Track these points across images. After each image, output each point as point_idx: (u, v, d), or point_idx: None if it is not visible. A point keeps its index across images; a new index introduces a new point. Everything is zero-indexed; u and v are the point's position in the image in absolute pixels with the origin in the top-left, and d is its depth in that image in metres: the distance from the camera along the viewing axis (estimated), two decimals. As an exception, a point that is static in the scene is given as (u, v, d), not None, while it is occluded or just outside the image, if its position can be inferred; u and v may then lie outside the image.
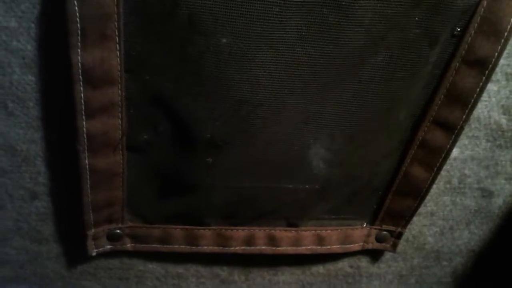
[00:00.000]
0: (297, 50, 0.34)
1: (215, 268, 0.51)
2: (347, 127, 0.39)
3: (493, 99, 0.41)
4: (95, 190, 0.39)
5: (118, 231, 0.44)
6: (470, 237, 0.53)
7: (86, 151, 0.37)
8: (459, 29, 0.36)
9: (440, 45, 0.36)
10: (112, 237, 0.44)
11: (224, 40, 0.33)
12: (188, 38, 0.33)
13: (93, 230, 0.42)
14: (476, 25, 0.35)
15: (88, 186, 0.39)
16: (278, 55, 0.34)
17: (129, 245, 0.46)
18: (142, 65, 0.34)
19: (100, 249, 0.44)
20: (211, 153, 0.39)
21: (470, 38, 0.36)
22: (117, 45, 0.32)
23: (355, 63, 0.35)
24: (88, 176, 0.38)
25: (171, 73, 0.35)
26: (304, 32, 0.33)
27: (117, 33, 0.32)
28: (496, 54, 0.36)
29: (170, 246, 0.46)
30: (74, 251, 0.47)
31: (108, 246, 0.45)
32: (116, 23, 0.31)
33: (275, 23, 0.33)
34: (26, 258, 0.47)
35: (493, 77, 0.40)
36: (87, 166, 0.37)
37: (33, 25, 0.33)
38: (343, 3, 0.32)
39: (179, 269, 0.51)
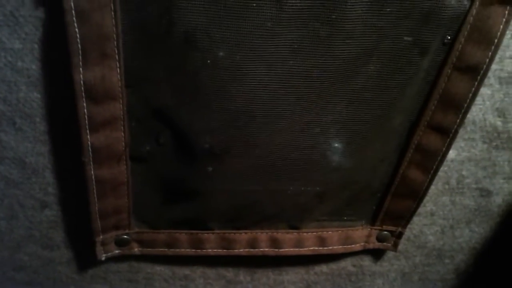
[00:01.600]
0: (290, 63, 0.35)
1: (220, 269, 0.53)
2: (343, 134, 0.40)
3: (488, 102, 0.42)
4: (102, 199, 0.41)
5: (126, 236, 0.46)
6: (471, 235, 0.54)
7: (91, 163, 0.38)
8: (449, 37, 0.36)
9: (431, 53, 0.37)
10: (120, 243, 0.46)
11: (219, 55, 0.34)
12: (185, 54, 0.34)
13: (101, 237, 0.44)
14: (466, 33, 0.36)
15: (95, 195, 0.40)
16: (272, 68, 0.35)
17: (136, 250, 0.47)
18: (142, 81, 0.36)
19: (109, 254, 0.46)
20: (211, 162, 0.40)
21: (460, 45, 0.36)
22: (117, 63, 0.34)
23: (347, 73, 0.36)
24: (94, 186, 0.40)
25: (169, 88, 0.36)
26: (296, 45, 0.34)
27: (116, 52, 0.33)
28: (487, 60, 0.36)
29: (176, 250, 0.47)
30: (85, 256, 0.49)
31: (117, 251, 0.46)
32: (115, 43, 0.33)
33: (268, 38, 0.34)
34: (39, 263, 0.49)
35: (487, 82, 0.40)
36: (93, 177, 0.39)
37: (36, 46, 0.34)
38: (333, 16, 0.33)
39: (186, 271, 0.52)
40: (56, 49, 0.34)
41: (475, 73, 0.37)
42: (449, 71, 0.38)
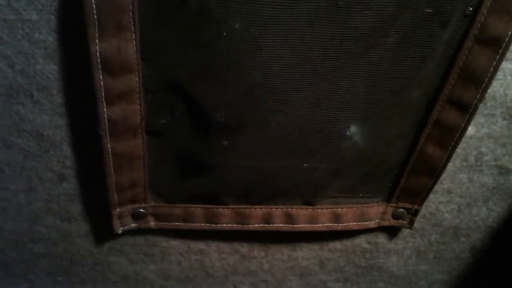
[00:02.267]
0: (307, 34, 0.34)
1: (235, 244, 0.53)
2: (360, 109, 0.40)
3: (509, 77, 0.41)
4: (118, 172, 0.41)
5: (142, 210, 0.46)
6: (488, 213, 0.53)
7: (108, 136, 0.38)
8: (471, 9, 0.35)
9: (452, 24, 0.36)
10: (136, 216, 0.46)
11: (235, 27, 0.34)
12: (201, 25, 0.34)
13: (118, 210, 0.44)
14: (488, 4, 0.35)
15: (112, 168, 0.41)
16: (288, 39, 0.35)
17: (152, 223, 0.48)
18: (157, 52, 0.36)
19: (126, 227, 0.47)
20: (226, 135, 0.40)
21: (483, 17, 0.35)
22: (133, 34, 0.34)
23: (365, 45, 0.36)
24: (111, 159, 0.40)
25: (185, 60, 0.36)
26: (313, 16, 0.34)
27: (132, 23, 0.33)
28: (510, 33, 0.35)
29: (191, 224, 0.48)
30: (102, 229, 0.49)
31: (133, 224, 0.47)
32: (131, 14, 0.33)
33: (284, 9, 0.33)
34: (57, 236, 0.50)
35: (509, 56, 0.39)
36: (110, 150, 0.39)
37: (53, 17, 0.34)
38: (352, -14, 0.33)
39: (201, 245, 0.53)
40: (73, 20, 0.34)
41: (497, 46, 0.37)
42: (470, 44, 0.37)
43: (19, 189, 0.45)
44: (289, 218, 0.48)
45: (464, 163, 0.48)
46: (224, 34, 0.34)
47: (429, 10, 0.35)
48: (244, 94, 0.37)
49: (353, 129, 0.41)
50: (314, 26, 0.34)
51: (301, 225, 0.49)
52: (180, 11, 0.33)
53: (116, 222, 0.45)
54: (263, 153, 0.42)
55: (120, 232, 0.46)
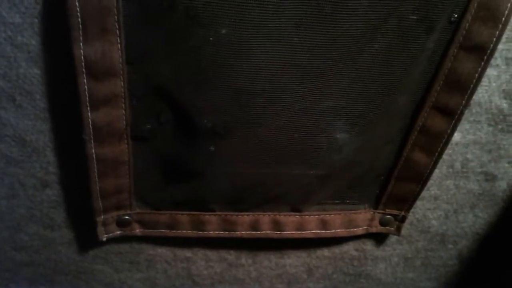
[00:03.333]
0: (294, 40, 0.34)
1: (222, 252, 0.53)
2: (347, 114, 0.40)
3: (494, 84, 0.41)
4: (103, 178, 0.41)
5: (127, 217, 0.45)
6: (475, 220, 0.53)
7: (92, 141, 0.38)
8: (456, 15, 0.36)
9: (437, 31, 0.36)
10: (121, 223, 0.46)
11: (223, 31, 0.33)
12: (187, 30, 0.33)
13: (102, 217, 0.44)
14: (473, 11, 0.35)
15: (96, 174, 0.40)
16: (276, 44, 0.35)
17: (138, 231, 0.47)
18: (143, 57, 0.35)
19: (110, 234, 0.46)
20: (213, 141, 0.40)
21: (467, 24, 0.36)
22: (118, 38, 0.33)
23: (352, 51, 0.36)
24: (95, 165, 0.39)
25: (171, 64, 0.35)
26: (301, 21, 0.34)
27: (117, 27, 0.33)
28: (494, 39, 0.36)
29: (178, 231, 0.47)
30: (86, 237, 0.48)
31: (118, 232, 0.46)
32: (116, 17, 0.32)
33: (271, 13, 0.33)
34: (40, 243, 0.49)
35: (493, 62, 0.40)
36: (94, 156, 0.39)
37: (36, 20, 0.34)
38: (338, -8, 0.33)
39: (188, 253, 0.52)
40: (57, 23, 0.34)
41: (482, 53, 0.37)
42: (455, 50, 0.37)
43: (1, 196, 0.44)
44: (277, 225, 0.48)
45: (451, 170, 0.48)
46: (211, 39, 0.34)
47: (415, 17, 0.35)
48: (231, 99, 0.37)
49: (341, 135, 0.41)
50: (301, 31, 0.34)
51: (289, 232, 0.49)
52: (166, 15, 0.33)
53: (100, 229, 0.45)
54: (251, 159, 0.42)
55: (104, 239, 0.46)
